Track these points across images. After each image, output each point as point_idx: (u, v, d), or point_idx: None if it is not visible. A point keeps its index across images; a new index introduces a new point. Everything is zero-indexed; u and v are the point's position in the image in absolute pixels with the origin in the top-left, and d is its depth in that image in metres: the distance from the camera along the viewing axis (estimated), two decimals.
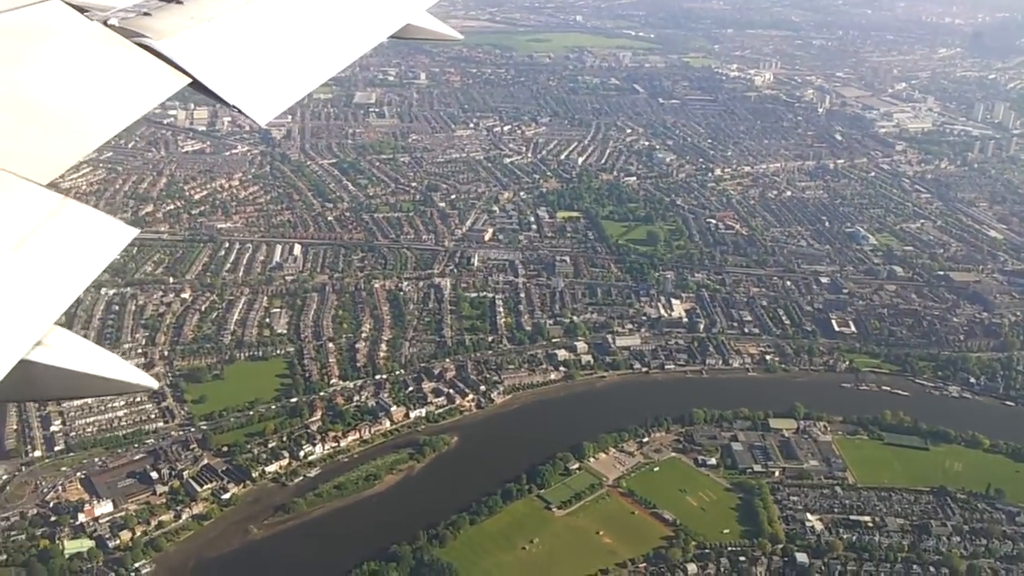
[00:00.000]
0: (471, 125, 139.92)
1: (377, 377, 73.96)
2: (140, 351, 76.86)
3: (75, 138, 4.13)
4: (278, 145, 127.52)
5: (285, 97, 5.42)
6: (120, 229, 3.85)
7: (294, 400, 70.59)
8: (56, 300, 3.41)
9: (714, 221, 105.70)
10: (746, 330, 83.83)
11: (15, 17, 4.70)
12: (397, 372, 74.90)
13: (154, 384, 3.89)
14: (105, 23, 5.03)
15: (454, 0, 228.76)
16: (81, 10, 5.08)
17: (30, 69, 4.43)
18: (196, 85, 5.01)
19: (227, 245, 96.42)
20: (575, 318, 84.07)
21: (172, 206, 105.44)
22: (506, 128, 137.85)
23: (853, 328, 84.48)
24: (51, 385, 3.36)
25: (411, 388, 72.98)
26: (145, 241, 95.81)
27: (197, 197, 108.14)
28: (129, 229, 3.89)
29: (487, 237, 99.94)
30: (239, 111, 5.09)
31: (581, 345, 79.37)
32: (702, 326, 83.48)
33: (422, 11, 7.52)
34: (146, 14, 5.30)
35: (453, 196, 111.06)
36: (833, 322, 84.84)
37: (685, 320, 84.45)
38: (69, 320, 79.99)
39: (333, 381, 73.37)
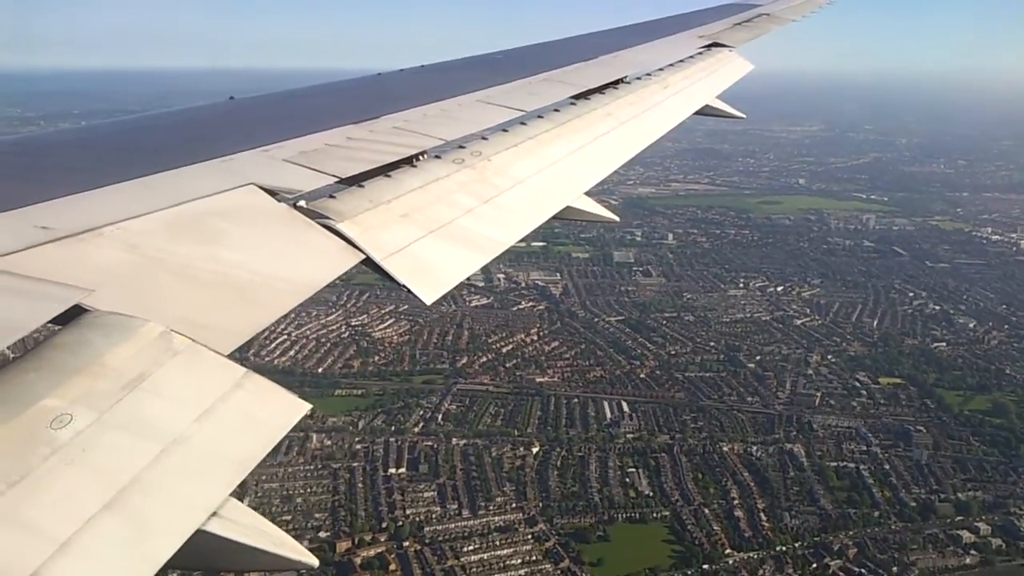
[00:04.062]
0: (740, 285, 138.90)
1: (776, 549, 69.93)
2: (514, 505, 76.62)
3: (260, 310, 4.31)
4: (560, 302, 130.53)
5: (450, 278, 5.67)
6: (296, 404, 3.80)
7: (701, 568, 67.29)
8: (233, 471, 3.34)
9: None
10: None
11: (216, 200, 5.20)
12: (794, 545, 70.57)
13: (315, 562, 3.67)
14: (293, 205, 5.46)
15: (668, 166, 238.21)
16: (273, 193, 5.52)
17: (225, 247, 4.77)
18: (369, 263, 5.24)
19: (552, 399, 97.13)
20: (960, 495, 77.74)
21: (485, 359, 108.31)
22: (779, 289, 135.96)
23: None
24: (222, 557, 3.26)
25: (815, 565, 68.22)
26: (476, 393, 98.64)
27: (505, 351, 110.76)
28: (303, 404, 3.81)
29: (817, 402, 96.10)
30: (408, 290, 5.23)
31: (984, 527, 72.70)
32: None
33: (581, 194, 7.68)
34: (331, 197, 5.75)
35: (758, 357, 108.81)
36: None
37: None
38: (432, 470, 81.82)
39: (727, 551, 69.79)
